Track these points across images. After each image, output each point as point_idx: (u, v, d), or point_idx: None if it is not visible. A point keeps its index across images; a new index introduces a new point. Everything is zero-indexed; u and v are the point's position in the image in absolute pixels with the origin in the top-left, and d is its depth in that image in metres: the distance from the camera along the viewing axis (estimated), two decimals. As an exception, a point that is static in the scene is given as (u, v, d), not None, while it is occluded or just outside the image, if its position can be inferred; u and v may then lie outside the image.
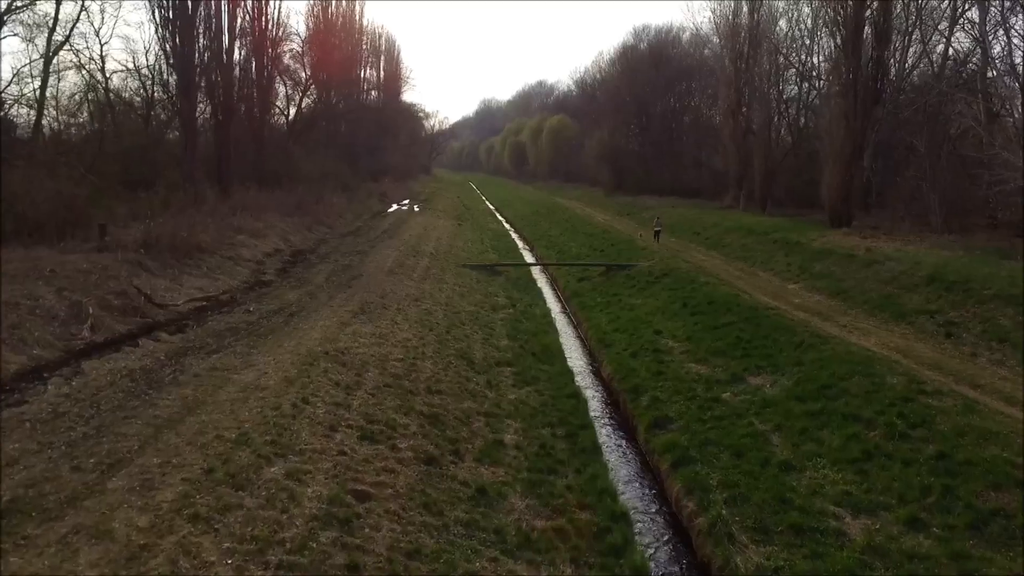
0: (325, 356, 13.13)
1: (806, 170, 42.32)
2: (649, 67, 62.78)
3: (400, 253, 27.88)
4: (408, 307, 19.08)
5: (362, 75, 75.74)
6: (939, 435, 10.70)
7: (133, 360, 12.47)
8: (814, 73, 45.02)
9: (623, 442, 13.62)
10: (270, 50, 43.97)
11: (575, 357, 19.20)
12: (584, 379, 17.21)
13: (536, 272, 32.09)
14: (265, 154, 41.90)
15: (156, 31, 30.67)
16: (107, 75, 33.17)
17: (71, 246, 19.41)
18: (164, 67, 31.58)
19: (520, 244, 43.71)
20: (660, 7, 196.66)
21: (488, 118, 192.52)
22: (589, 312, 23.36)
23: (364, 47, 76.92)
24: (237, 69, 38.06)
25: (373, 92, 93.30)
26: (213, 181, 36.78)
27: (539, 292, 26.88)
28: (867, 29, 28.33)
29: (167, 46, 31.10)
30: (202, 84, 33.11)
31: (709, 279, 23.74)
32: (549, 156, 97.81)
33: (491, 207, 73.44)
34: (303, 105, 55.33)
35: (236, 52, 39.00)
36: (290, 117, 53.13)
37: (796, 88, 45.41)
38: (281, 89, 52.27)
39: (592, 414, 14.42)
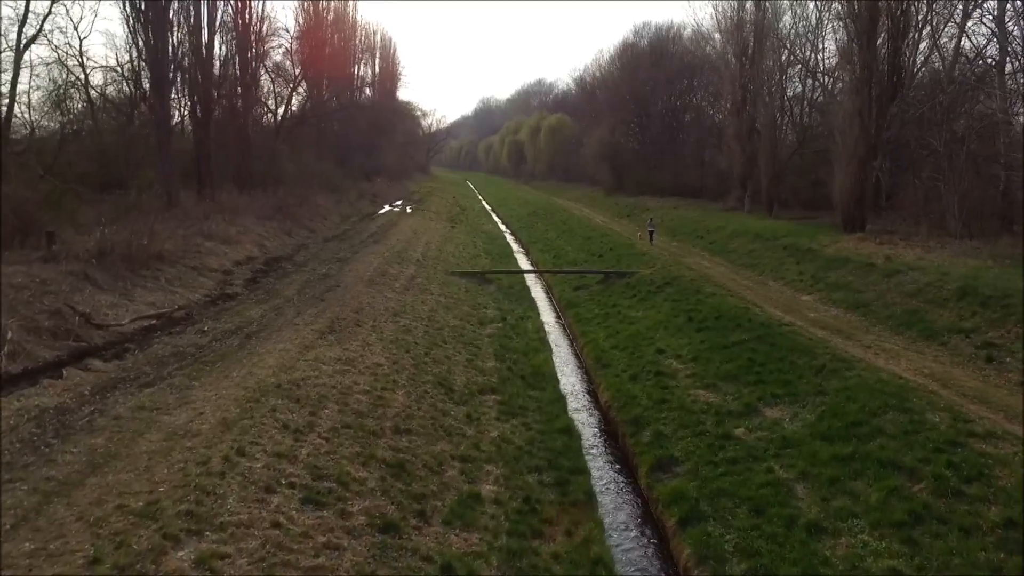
0: (276, 390, 11.33)
1: (812, 170, 40.65)
2: (650, 64, 60.99)
3: (384, 260, 26.09)
4: (385, 324, 17.28)
5: (355, 72, 74.01)
6: (1002, 493, 8.91)
7: (49, 397, 10.68)
8: (820, 70, 43.36)
9: (622, 488, 11.83)
10: (255, 45, 42.13)
11: (570, 379, 17.42)
12: (579, 406, 15.45)
13: (531, 279, 30.30)
14: (249, 154, 40.08)
15: (127, 24, 28.78)
16: (87, 71, 31.42)
17: (16, 256, 17.65)
18: (136, 62, 29.66)
19: (515, 247, 41.91)
20: (661, 7, 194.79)
21: (487, 117, 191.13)
22: (585, 326, 21.56)
23: (357, 43, 75.12)
24: (218, 65, 36.17)
25: (368, 90, 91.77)
26: (192, 182, 35.15)
27: (532, 302, 25.07)
28: (883, 20, 26.54)
29: (139, 40, 29.26)
30: (177, 80, 31.25)
31: (715, 289, 21.94)
32: (547, 155, 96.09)
33: (487, 207, 71.64)
34: (293, 103, 53.50)
35: (217, 47, 37.25)
36: (279, 116, 51.24)
37: (800, 86, 43.73)
38: (269, 87, 50.45)
39: (587, 454, 12.64)
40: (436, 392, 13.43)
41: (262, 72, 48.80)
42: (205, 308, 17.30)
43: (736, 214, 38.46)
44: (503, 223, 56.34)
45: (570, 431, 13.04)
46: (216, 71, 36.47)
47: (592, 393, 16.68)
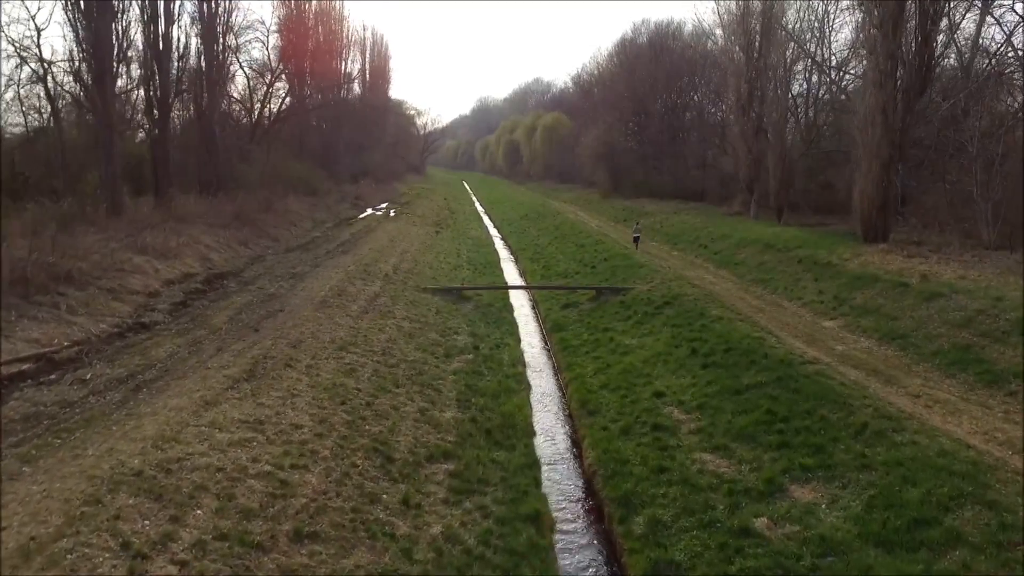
0: (135, 480, 8.32)
1: (821, 172, 37.68)
2: (648, 60, 58.00)
3: (347, 275, 23.07)
4: (325, 362, 14.26)
5: (342, 69, 70.84)
6: None
7: None
8: (829, 64, 40.40)
9: (606, 610, 8.82)
10: (223, 38, 39.05)
11: (549, 429, 14.41)
12: (556, 472, 12.43)
13: (516, 294, 27.27)
14: (216, 156, 37.01)
15: (66, 8, 25.75)
16: (45, 65, 28.39)
17: None
18: (77, 53, 26.65)
19: (505, 255, 38.93)
20: (661, 6, 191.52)
21: (485, 116, 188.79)
22: (572, 356, 18.55)
23: (344, 38, 72.01)
24: (176, 58, 33.13)
25: (356, 88, 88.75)
26: (150, 187, 32.20)
27: (513, 325, 22.05)
28: (910, 3, 23.53)
29: (78, 27, 26.22)
30: (129, 74, 28.26)
31: (723, 312, 18.92)
32: (544, 155, 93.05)
33: (479, 210, 68.67)
34: (270, 101, 50.47)
35: (180, 39, 34.24)
36: (255, 115, 48.21)
37: (806, 83, 40.74)
38: (245, 83, 47.49)
39: (561, 554, 9.63)
40: (368, 464, 10.41)
41: (234, 67, 45.92)
42: (106, 344, 14.27)
43: (742, 220, 35.45)
44: (494, 227, 53.39)
45: (539, 519, 10.02)
46: (176, 65, 33.35)
47: (576, 446, 13.68)
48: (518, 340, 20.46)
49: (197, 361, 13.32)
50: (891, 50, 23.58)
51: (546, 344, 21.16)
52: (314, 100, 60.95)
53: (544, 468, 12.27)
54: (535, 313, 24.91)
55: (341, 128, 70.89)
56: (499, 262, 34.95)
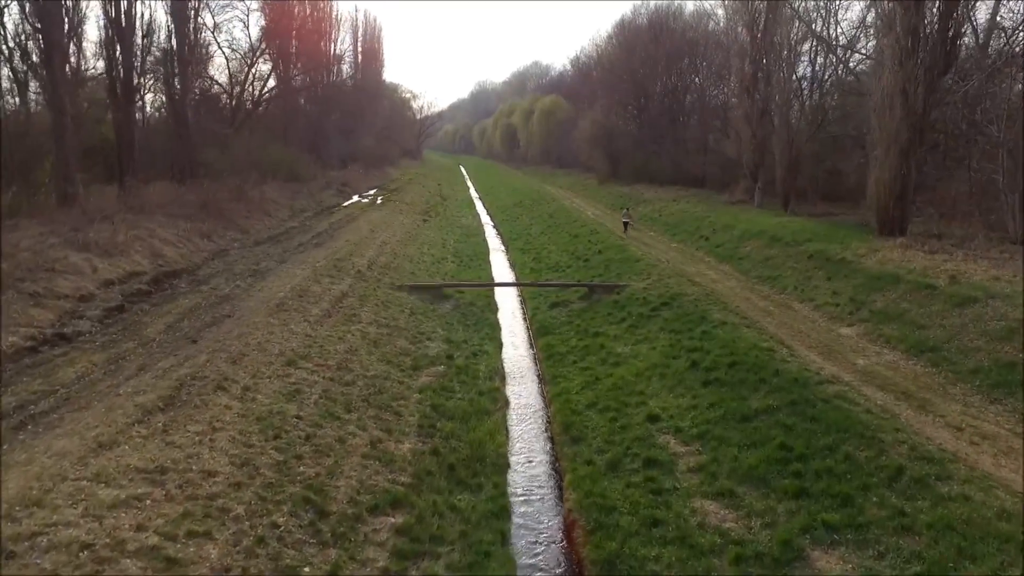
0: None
1: (829, 157, 35.50)
2: (648, 40, 55.51)
3: (314, 271, 21.06)
4: (266, 382, 12.28)
5: (330, 51, 68.24)
6: None
7: None
8: (837, 43, 38.09)
9: None
10: (196, 14, 36.79)
11: (525, 460, 12.45)
12: (531, 519, 10.47)
13: (503, 291, 25.28)
14: (188, 141, 34.89)
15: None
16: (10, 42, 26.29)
17: None
18: (22, 27, 24.48)
19: (495, 244, 36.92)
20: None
21: (483, 100, 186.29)
22: (558, 366, 16.57)
23: (334, 18, 69.34)
24: (141, 36, 30.89)
25: (348, 71, 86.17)
26: (115, 174, 30.16)
27: (495, 327, 20.06)
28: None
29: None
30: (74, 49, 26.08)
31: (726, 316, 16.95)
32: (541, 139, 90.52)
33: (473, 196, 66.58)
34: (252, 84, 48.14)
35: (143, 14, 31.99)
36: (234, 97, 45.91)
37: (810, 65, 38.43)
38: (224, 64, 45.13)
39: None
40: (294, 523, 8.46)
41: (213, 48, 43.64)
42: (11, 361, 12.27)
43: (746, 209, 33.35)
44: (487, 214, 51.30)
45: (502, 597, 8.08)
46: (141, 43, 31.11)
47: (558, 480, 11.76)
48: (499, 346, 18.47)
49: (109, 385, 11.34)
50: (912, 24, 21.39)
51: (532, 348, 19.18)
52: (301, 82, 58.55)
53: (515, 515, 10.33)
54: (522, 312, 22.91)
55: (331, 112, 68.61)
56: (488, 253, 32.90)
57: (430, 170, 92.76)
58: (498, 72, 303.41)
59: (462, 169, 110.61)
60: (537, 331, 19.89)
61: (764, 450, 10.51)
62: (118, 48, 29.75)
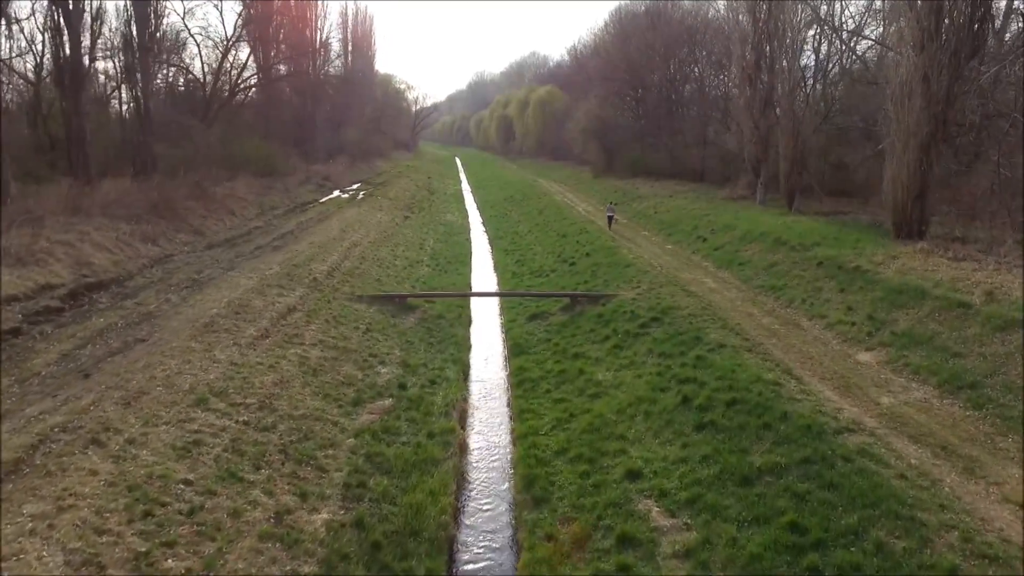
0: None
1: (836, 150, 33.11)
2: (645, 28, 53.00)
3: (261, 281, 18.74)
4: (160, 431, 9.98)
5: (316, 39, 65.65)
6: None
7: None
8: (844, 28, 35.72)
9: None
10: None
11: (475, 532, 10.16)
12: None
13: (480, 298, 23.00)
14: (150, 134, 32.49)
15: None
16: None
17: None
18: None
19: (480, 243, 34.69)
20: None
21: (481, 91, 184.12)
22: (529, 396, 14.31)
23: (320, 6, 66.68)
24: (91, 18, 28.46)
25: (337, 60, 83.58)
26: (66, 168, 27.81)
27: (463, 345, 17.77)
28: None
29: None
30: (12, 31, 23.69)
31: (724, 336, 14.65)
32: (536, 131, 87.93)
33: (465, 189, 64.31)
34: (229, 72, 45.62)
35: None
36: (208, 88, 43.44)
37: (814, 53, 36.03)
38: (196, 53, 42.61)
39: None
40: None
41: (183, 34, 41.16)
42: None
43: (747, 206, 30.97)
44: (476, 209, 48.99)
45: None
46: (91, 26, 28.69)
47: (514, 553, 9.49)
48: (464, 369, 16.18)
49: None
50: (936, 4, 18.95)
51: (506, 369, 16.89)
52: (283, 72, 56.02)
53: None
54: (499, 324, 20.61)
55: (316, 103, 66.10)
56: (469, 255, 30.59)
57: (423, 163, 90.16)
58: (497, 63, 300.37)
59: (457, 161, 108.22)
60: (511, 349, 17.60)
61: (770, 530, 8.23)
62: (66, 32, 27.38)
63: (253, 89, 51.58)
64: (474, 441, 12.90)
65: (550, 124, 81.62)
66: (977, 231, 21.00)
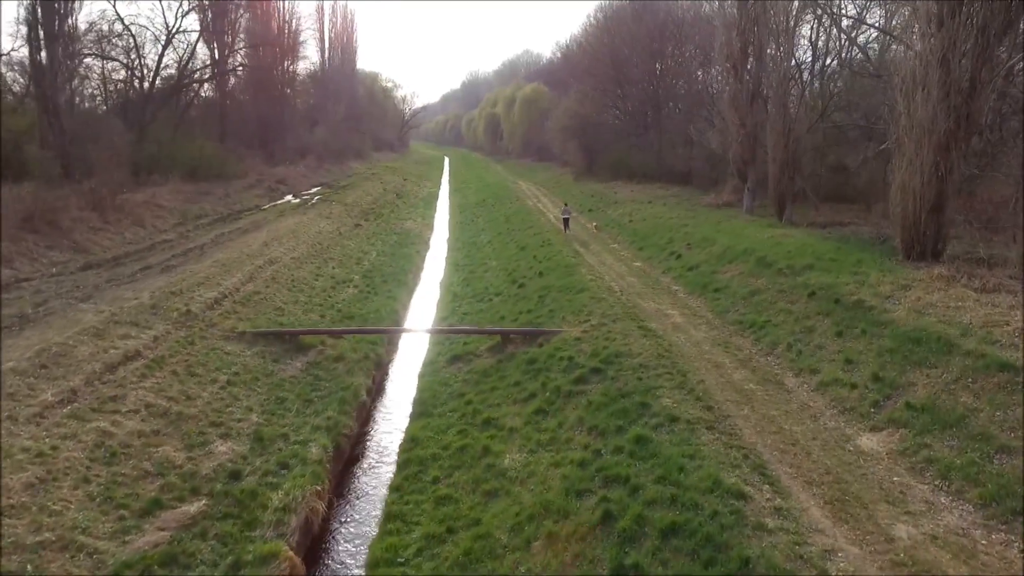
0: None
1: (833, 151, 29.29)
2: (630, 19, 49.19)
3: (115, 316, 14.91)
4: None
5: (284, 31, 61.85)
6: None
7: None
8: (845, 14, 31.87)
9: None
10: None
11: None
12: None
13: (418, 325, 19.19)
14: (61, 133, 28.64)
15: None
16: None
17: None
18: None
19: (434, 255, 30.95)
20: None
21: (474, 90, 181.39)
22: (409, 488, 10.57)
23: (289, -1, 62.90)
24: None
25: (314, 57, 79.94)
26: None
27: (350, 402, 13.88)
28: None
29: None
30: None
31: (680, 404, 10.83)
32: (522, 130, 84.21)
33: (442, 192, 60.77)
34: (165, 66, 41.75)
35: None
36: (145, 82, 39.59)
37: (811, 46, 32.14)
38: (131, 44, 38.69)
39: None
40: None
41: (115, 24, 37.30)
42: None
43: (732, 215, 27.14)
44: (446, 214, 45.28)
45: None
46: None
47: None
48: (338, 442, 12.33)
49: None
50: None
51: (400, 438, 13.04)
52: (244, 67, 52.20)
53: None
54: (415, 368, 16.77)
55: (284, 101, 62.32)
56: (413, 271, 26.80)
57: (407, 164, 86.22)
58: (492, 62, 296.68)
59: (445, 162, 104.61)
60: (415, 407, 13.76)
61: None
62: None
63: (205, 85, 47.74)
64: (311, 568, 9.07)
65: (536, 123, 77.90)
66: (1001, 248, 17.21)
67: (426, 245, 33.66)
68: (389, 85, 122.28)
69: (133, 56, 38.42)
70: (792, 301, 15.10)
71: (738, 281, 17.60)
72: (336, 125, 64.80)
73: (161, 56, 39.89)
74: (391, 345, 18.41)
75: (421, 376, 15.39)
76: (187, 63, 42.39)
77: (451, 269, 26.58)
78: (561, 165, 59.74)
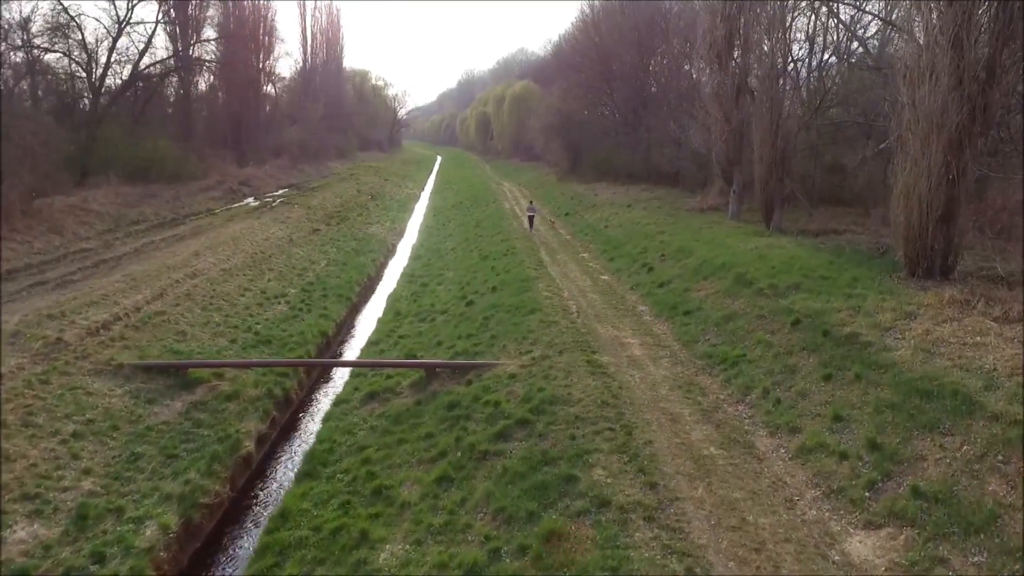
0: None
1: (828, 150, 26.65)
2: (618, 12, 46.60)
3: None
4: None
5: (260, 26, 59.24)
6: None
7: None
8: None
9: None
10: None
11: None
12: None
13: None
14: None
15: None
16: None
17: None
18: None
19: (392, 264, 28.39)
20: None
21: (470, 89, 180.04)
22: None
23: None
24: None
25: (297, 54, 77.43)
26: None
27: (222, 458, 11.28)
28: None
29: None
30: None
31: (617, 477, 8.28)
32: (511, 130, 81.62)
33: (423, 194, 58.33)
34: (114, 61, 39.10)
35: None
36: (93, 76, 36.96)
37: (807, 40, 29.46)
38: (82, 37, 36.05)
39: None
40: None
41: (59, 13, 34.68)
42: None
43: (716, 221, 24.53)
44: (420, 217, 42.77)
45: None
46: None
47: None
48: (186, 511, 9.71)
49: None
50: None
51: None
52: (212, 61, 49.60)
53: None
54: (327, 406, 14.17)
55: (259, 98, 59.81)
56: (360, 284, 24.23)
57: (394, 164, 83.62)
58: (488, 61, 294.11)
59: (437, 161, 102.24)
60: (304, 464, 11.17)
61: None
62: None
63: (167, 81, 45.12)
64: None
65: (525, 122, 75.26)
66: (1020, 260, 14.61)
67: (389, 252, 31.14)
68: (380, 84, 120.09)
69: (78, 50, 35.71)
70: (773, 330, 12.49)
71: (712, 302, 14.99)
72: (315, 124, 62.11)
73: (112, 48, 37.21)
74: (308, 375, 15.81)
75: (326, 420, 12.80)
76: (142, 56, 39.68)
77: (404, 281, 24.00)
78: (550, 166, 57.17)
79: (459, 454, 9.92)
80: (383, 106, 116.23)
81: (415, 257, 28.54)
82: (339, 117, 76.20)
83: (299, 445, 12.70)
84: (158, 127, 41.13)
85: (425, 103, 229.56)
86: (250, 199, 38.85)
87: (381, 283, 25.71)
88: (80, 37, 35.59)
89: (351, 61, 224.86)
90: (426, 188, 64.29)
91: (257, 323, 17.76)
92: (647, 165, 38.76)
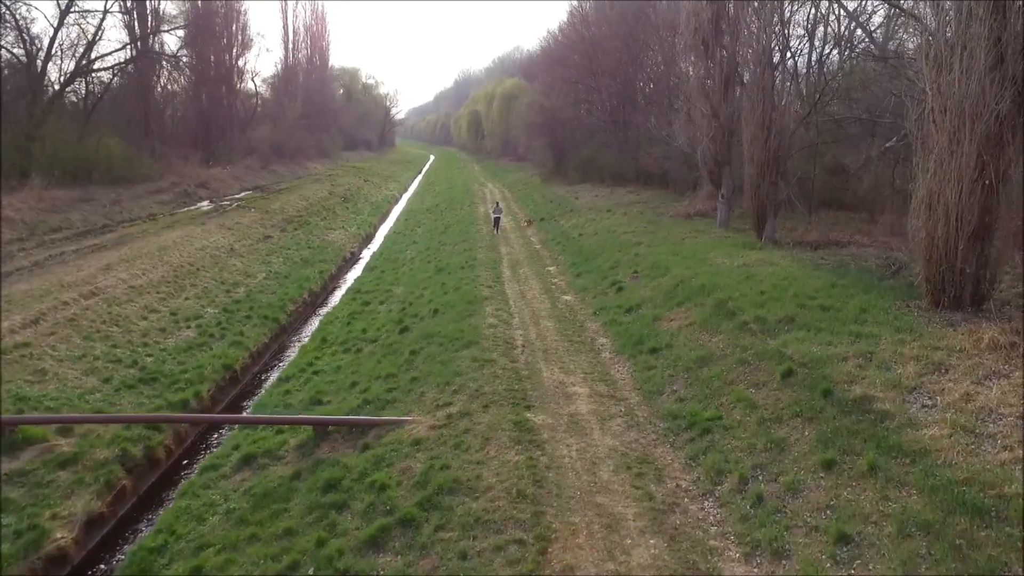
0: None
1: (829, 150, 23.73)
2: (605, 5, 43.72)
3: None
4: None
5: (231, 18, 56.29)
6: None
7: None
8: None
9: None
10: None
11: None
12: None
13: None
14: None
15: None
16: None
17: None
18: None
19: (343, 277, 25.50)
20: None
21: (466, 88, 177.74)
22: None
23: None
24: None
25: (279, 51, 74.63)
26: None
27: (17, 552, 8.35)
28: None
29: None
30: None
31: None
32: (501, 129, 78.73)
33: (403, 196, 55.50)
34: (56, 53, 36.23)
35: None
36: (34, 68, 34.05)
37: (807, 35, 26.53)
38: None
39: None
40: None
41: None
42: None
43: (703, 230, 21.63)
44: (391, 222, 39.92)
45: None
46: None
47: None
48: None
49: None
50: None
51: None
52: (174, 56, 46.69)
53: None
54: (191, 473, 11.27)
55: (232, 95, 56.91)
56: (301, 301, 21.34)
57: (381, 163, 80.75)
58: (484, 60, 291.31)
59: (429, 161, 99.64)
60: (129, 567, 8.28)
61: None
62: None
63: (123, 77, 42.18)
64: None
65: (513, 121, 72.38)
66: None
67: (346, 262, 28.32)
68: (371, 82, 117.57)
69: (15, 41, 32.83)
70: (758, 383, 9.59)
71: (686, 337, 12.07)
72: (291, 122, 59.22)
73: (53, 39, 34.31)
74: (193, 425, 12.91)
75: (181, 496, 9.91)
76: (89, 49, 36.72)
77: (348, 297, 21.14)
78: (535, 166, 54.29)
79: (313, 568, 7.03)
80: (374, 105, 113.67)
81: (369, 268, 25.69)
82: (322, 115, 73.36)
83: (142, 534, 9.80)
84: (114, 126, 38.25)
85: (423, 103, 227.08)
86: (205, 203, 35.92)
87: (330, 297, 22.85)
88: (15, 26, 32.68)
89: (344, 60, 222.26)
90: (409, 189, 61.54)
91: (149, 354, 14.89)
92: (634, 166, 35.91)
